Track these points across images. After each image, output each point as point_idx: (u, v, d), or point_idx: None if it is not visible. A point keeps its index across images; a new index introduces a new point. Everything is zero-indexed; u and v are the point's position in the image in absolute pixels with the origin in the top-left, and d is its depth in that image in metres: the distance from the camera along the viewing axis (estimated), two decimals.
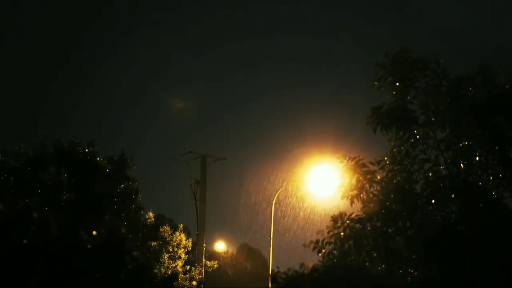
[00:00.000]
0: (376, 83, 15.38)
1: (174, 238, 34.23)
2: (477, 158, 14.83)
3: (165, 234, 34.01)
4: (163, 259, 33.40)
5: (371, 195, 14.78)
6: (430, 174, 14.77)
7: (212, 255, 54.64)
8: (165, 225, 35.15)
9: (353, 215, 14.69)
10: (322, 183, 36.02)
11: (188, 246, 34.97)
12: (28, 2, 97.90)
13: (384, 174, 14.95)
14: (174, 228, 35.39)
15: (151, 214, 32.34)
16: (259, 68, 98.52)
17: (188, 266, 35.15)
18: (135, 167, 29.45)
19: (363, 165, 14.90)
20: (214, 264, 37.09)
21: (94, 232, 9.43)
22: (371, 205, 14.65)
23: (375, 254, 14.37)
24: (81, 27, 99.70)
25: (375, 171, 14.93)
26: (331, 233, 14.65)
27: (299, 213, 43.09)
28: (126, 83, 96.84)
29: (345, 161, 14.95)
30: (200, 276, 35.65)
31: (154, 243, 31.95)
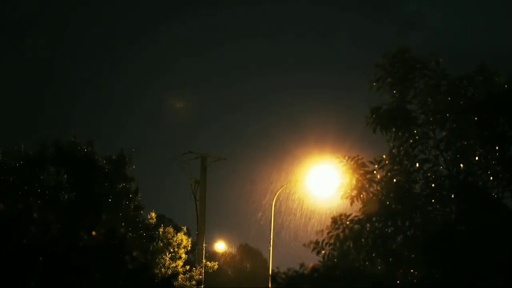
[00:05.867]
0: (374, 84, 15.41)
1: (175, 239, 34.23)
2: (477, 158, 14.83)
3: (168, 235, 34.00)
4: (164, 260, 33.40)
5: (370, 195, 14.78)
6: (430, 174, 14.78)
7: (212, 255, 54.67)
8: (168, 226, 35.14)
9: (353, 216, 14.69)
10: (322, 183, 36.00)
11: (188, 245, 34.97)
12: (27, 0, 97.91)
13: (384, 173, 14.95)
14: (175, 228, 35.41)
15: (153, 214, 32.31)
16: (259, 68, 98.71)
17: (188, 266, 35.16)
18: (134, 167, 29.52)
19: (363, 165, 14.90)
20: (215, 265, 37.08)
21: (93, 233, 9.44)
22: (371, 205, 14.65)
23: (374, 254, 14.37)
24: (82, 26, 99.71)
25: (374, 170, 14.93)
26: (331, 234, 14.65)
27: (299, 213, 43.09)
28: (127, 83, 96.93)
29: (344, 161, 14.96)
30: (200, 276, 35.66)
31: (153, 244, 31.96)
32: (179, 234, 34.59)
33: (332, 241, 14.62)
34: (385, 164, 14.95)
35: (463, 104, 14.89)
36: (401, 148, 15.01)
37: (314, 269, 11.37)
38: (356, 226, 14.59)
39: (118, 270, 9.57)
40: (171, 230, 34.33)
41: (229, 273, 67.20)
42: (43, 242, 9.22)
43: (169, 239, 33.94)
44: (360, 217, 14.67)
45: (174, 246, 34.13)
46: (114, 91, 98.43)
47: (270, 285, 11.78)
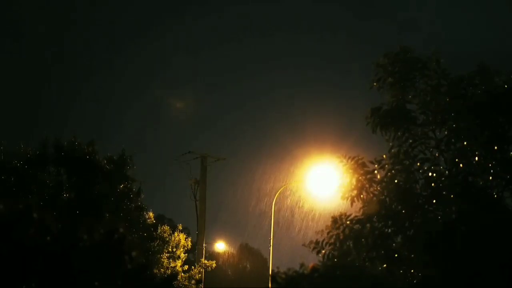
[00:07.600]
0: (375, 84, 15.41)
1: (173, 238, 34.17)
2: (477, 158, 14.82)
3: (164, 234, 33.96)
4: (162, 259, 33.36)
5: (371, 195, 14.77)
6: (430, 174, 14.76)
7: (212, 255, 54.69)
8: (168, 226, 35.04)
9: (353, 216, 14.68)
10: (322, 183, 36.00)
11: (188, 245, 34.93)
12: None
13: (384, 174, 14.94)
14: (174, 228, 35.34)
15: (151, 214, 32.31)
16: (258, 68, 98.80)
17: (187, 266, 35.12)
18: (135, 167, 29.50)
19: (363, 165, 14.89)
20: (212, 264, 37.06)
21: (93, 233, 9.45)
22: (371, 205, 14.65)
23: (374, 254, 14.37)
24: (81, 26, 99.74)
25: (374, 170, 14.92)
26: (331, 233, 14.65)
27: (299, 213, 43.11)
28: (126, 83, 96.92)
29: (345, 160, 14.95)
30: (200, 275, 35.63)
31: (153, 244, 31.96)
32: (176, 233, 34.47)
33: (332, 240, 14.62)
34: (385, 164, 14.94)
35: (463, 104, 14.89)
36: (401, 148, 15.02)
37: (314, 269, 11.36)
38: (356, 226, 14.59)
39: (118, 270, 9.57)
40: (167, 228, 34.23)
41: (229, 273, 67.24)
42: (43, 242, 9.22)
43: (165, 238, 33.86)
44: (360, 217, 14.66)
45: (172, 246, 34.06)
46: (113, 91, 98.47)
47: (270, 285, 11.78)
